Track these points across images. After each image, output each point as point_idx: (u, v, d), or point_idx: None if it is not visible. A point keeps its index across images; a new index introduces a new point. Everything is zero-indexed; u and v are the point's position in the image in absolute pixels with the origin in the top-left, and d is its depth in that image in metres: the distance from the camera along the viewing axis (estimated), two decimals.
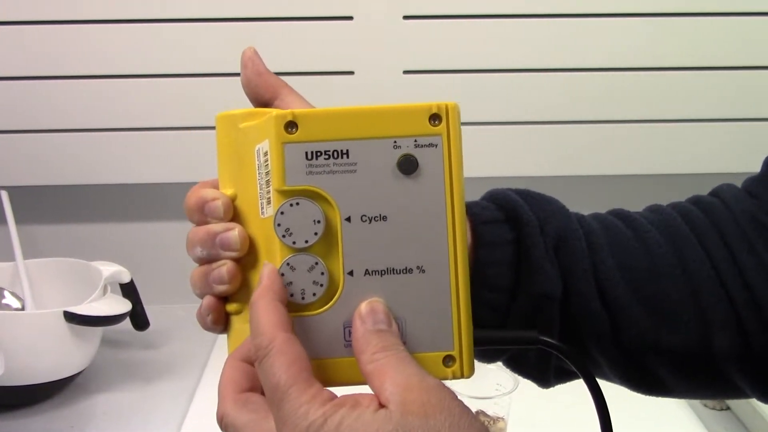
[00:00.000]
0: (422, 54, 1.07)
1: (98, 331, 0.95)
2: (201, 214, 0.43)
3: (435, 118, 0.39)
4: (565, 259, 0.47)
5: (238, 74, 1.08)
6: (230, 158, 0.43)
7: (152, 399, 0.94)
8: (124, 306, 0.94)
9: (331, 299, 0.38)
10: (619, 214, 0.51)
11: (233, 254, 0.41)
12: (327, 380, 0.37)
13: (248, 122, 0.42)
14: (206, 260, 0.42)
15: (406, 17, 1.05)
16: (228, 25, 1.05)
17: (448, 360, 0.38)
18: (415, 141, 0.39)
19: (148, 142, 1.10)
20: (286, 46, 1.06)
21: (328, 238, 0.38)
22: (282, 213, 0.38)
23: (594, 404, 0.42)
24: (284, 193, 0.39)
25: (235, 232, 0.41)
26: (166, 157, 1.10)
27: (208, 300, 0.42)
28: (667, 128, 1.11)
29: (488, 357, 0.49)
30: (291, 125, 0.39)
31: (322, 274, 0.38)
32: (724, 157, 1.12)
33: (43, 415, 0.91)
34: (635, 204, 0.54)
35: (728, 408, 0.91)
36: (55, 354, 0.90)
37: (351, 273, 0.38)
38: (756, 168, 0.52)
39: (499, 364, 0.50)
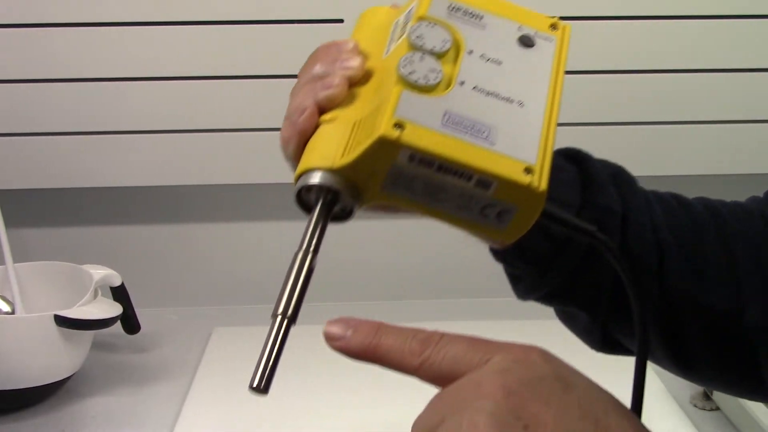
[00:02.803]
0: None
1: (89, 334, 0.95)
2: (328, 49, 0.45)
3: (554, 26, 0.46)
4: (623, 191, 0.50)
5: (231, 77, 1.08)
6: (365, 30, 0.48)
7: (143, 403, 0.94)
8: (114, 309, 0.94)
9: (441, 93, 0.41)
10: (663, 192, 0.54)
11: (349, 72, 0.44)
12: (412, 140, 0.39)
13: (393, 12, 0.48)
14: (319, 78, 0.44)
15: None
16: (220, 28, 1.05)
17: (528, 171, 0.40)
18: (536, 32, 0.45)
19: (139, 145, 1.09)
20: (278, 49, 1.06)
21: (450, 59, 0.42)
22: (419, 26, 0.43)
23: (635, 318, 0.44)
24: (424, 19, 0.43)
25: (359, 59, 0.44)
26: (158, 160, 1.10)
27: (309, 102, 0.43)
28: (672, 130, 1.11)
29: (535, 282, 0.49)
30: None
31: (439, 71, 0.41)
32: (730, 158, 1.13)
33: (34, 419, 0.90)
34: None
35: (718, 408, 0.91)
36: (46, 358, 0.90)
37: (462, 83, 0.42)
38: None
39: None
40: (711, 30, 1.07)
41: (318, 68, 0.44)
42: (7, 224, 1.02)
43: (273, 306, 0.39)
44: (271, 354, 0.37)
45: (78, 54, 1.05)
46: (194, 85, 1.07)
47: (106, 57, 1.05)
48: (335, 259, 1.06)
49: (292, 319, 0.38)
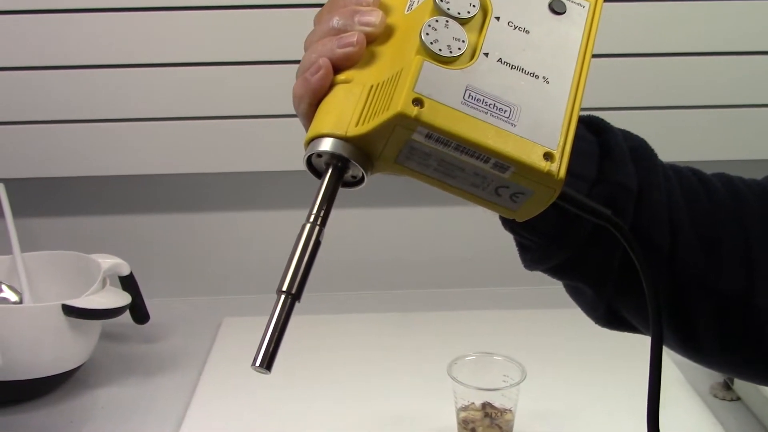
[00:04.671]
0: None
1: (97, 324, 0.94)
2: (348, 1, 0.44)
3: None
4: (642, 166, 0.48)
5: (238, 63, 1.06)
6: None
7: (152, 393, 0.93)
8: (123, 299, 0.93)
9: (464, 65, 0.40)
10: (683, 166, 0.53)
11: (369, 29, 0.42)
12: (431, 119, 0.37)
13: None
14: (336, 32, 0.43)
15: None
16: (225, 12, 1.04)
17: (547, 156, 0.39)
18: None
19: (146, 133, 1.09)
20: (290, 34, 1.04)
21: (475, 26, 0.41)
22: None
23: (649, 303, 0.44)
24: None
25: (379, 14, 0.42)
26: (166, 148, 1.09)
27: (325, 60, 0.42)
28: (682, 114, 1.10)
29: (547, 254, 0.49)
30: None
31: (463, 41, 0.39)
32: (733, 144, 1.11)
33: (42, 410, 0.90)
34: None
35: (739, 398, 0.90)
36: (54, 348, 0.89)
37: (486, 54, 0.40)
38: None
39: (498, 359, 0.49)
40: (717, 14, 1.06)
41: (336, 20, 0.42)
42: (15, 213, 1.01)
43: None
44: (275, 332, 0.37)
45: (85, 40, 1.04)
46: (205, 71, 1.06)
47: (113, 43, 1.05)
48: (351, 249, 1.05)
49: (297, 296, 0.38)
